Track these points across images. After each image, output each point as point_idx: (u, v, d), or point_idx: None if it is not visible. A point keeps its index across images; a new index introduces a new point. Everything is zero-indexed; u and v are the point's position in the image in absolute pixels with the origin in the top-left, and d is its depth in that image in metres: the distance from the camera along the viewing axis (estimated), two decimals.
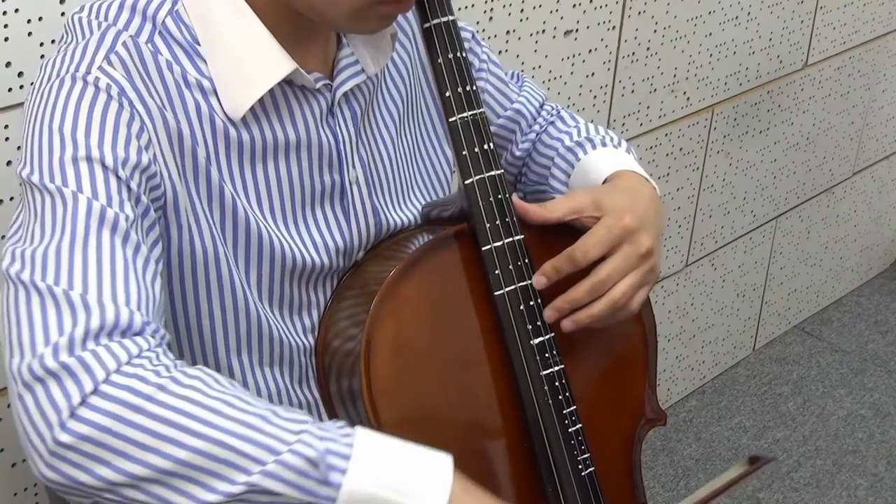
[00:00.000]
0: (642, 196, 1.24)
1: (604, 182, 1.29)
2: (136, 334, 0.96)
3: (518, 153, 1.43)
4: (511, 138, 1.42)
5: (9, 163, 1.50)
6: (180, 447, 0.92)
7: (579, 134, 1.38)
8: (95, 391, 0.92)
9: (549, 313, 1.17)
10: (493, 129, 1.39)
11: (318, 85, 1.15)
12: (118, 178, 1.02)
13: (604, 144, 1.35)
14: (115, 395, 0.92)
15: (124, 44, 1.07)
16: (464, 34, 1.34)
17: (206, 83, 1.10)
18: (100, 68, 1.05)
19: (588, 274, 1.17)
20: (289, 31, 1.12)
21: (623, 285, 1.17)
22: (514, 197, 1.18)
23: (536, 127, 1.43)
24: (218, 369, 1.18)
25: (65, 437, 0.91)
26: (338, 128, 1.18)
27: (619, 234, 1.17)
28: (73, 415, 0.91)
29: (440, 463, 0.99)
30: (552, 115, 1.44)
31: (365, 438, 0.97)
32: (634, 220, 1.18)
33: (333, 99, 1.17)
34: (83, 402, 0.91)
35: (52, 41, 1.48)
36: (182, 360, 0.98)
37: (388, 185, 1.26)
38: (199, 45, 1.10)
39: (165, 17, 1.10)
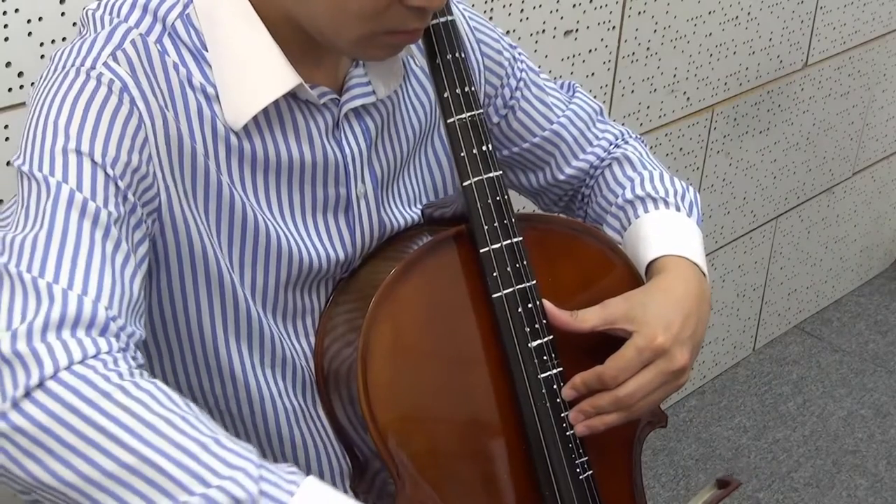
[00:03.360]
0: (684, 301, 1.20)
1: (649, 265, 1.26)
2: (101, 332, 0.95)
3: (562, 177, 1.40)
4: (549, 160, 1.39)
5: (9, 163, 1.50)
6: (109, 458, 0.89)
7: (641, 186, 1.34)
8: (41, 385, 0.90)
9: (573, 415, 1.17)
10: (526, 146, 1.38)
11: (324, 100, 1.15)
12: (106, 174, 1.01)
13: (666, 203, 1.31)
14: (58, 392, 0.90)
15: (133, 42, 1.07)
16: (500, 47, 1.33)
17: (210, 89, 1.09)
18: (105, 64, 1.05)
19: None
20: (298, 46, 1.11)
21: (646, 402, 1.17)
22: (546, 302, 1.17)
23: (591, 156, 1.39)
24: (220, 370, 1.17)
25: (3, 426, 0.90)
26: (345, 142, 1.18)
27: (650, 355, 1.16)
28: (14, 405, 0.90)
29: None
30: (616, 147, 1.40)
31: (310, 490, 0.92)
32: (667, 339, 1.16)
33: (339, 115, 1.17)
34: (27, 395, 0.90)
35: (52, 41, 1.48)
36: (142, 369, 0.96)
37: (400, 198, 1.26)
38: (206, 50, 1.10)
39: (176, 19, 1.10)
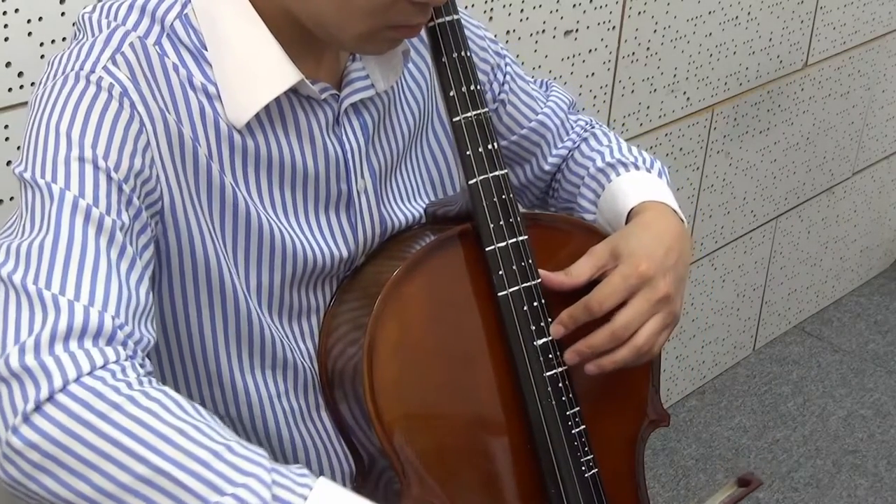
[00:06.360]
0: (664, 236, 1.22)
1: (629, 212, 1.28)
2: (108, 342, 0.94)
3: (547, 167, 1.41)
4: (535, 151, 1.41)
5: (8, 163, 1.49)
6: (123, 470, 0.89)
7: (611, 154, 1.36)
8: (51, 399, 0.90)
9: (569, 356, 1.17)
10: (514, 138, 1.39)
11: (324, 95, 1.15)
12: (109, 179, 1.01)
13: (636, 167, 1.34)
14: (68, 406, 0.90)
15: (131, 45, 1.07)
16: (486, 44, 1.34)
17: (211, 88, 1.09)
18: (104, 68, 1.05)
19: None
20: (298, 41, 1.11)
21: (645, 332, 1.16)
22: (541, 270, 1.17)
23: (568, 143, 1.41)
24: (207, 374, 1.17)
25: (15, 441, 0.89)
26: (345, 137, 1.18)
27: (635, 282, 1.16)
28: (26, 420, 0.89)
29: None
30: (586, 132, 1.43)
31: (322, 492, 0.93)
32: (651, 267, 1.17)
33: (339, 110, 1.17)
34: (37, 409, 0.90)
35: (52, 41, 1.47)
36: (150, 376, 0.96)
37: (398, 193, 1.26)
38: (206, 49, 1.10)
39: (174, 20, 1.09)
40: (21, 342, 0.92)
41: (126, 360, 0.94)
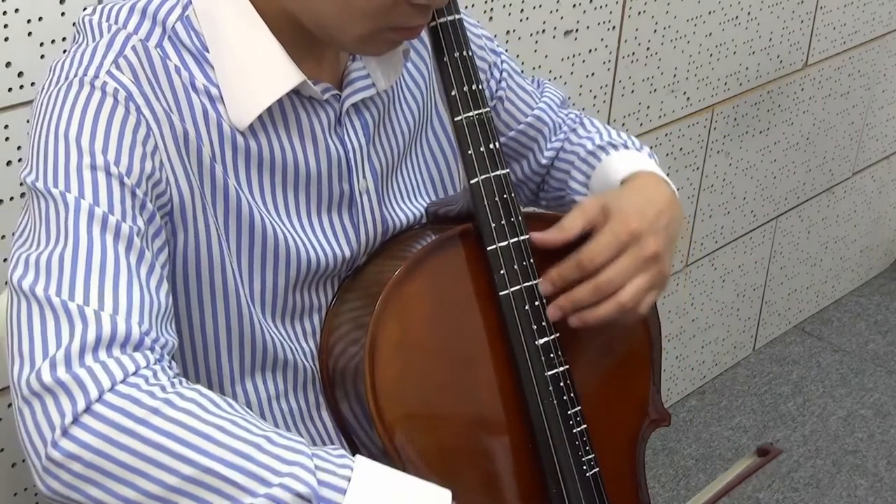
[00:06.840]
0: (656, 199, 1.22)
1: (621, 183, 1.28)
2: (136, 347, 0.95)
3: (543, 161, 1.41)
4: (531, 146, 1.41)
5: (9, 163, 1.49)
6: (169, 473, 0.90)
7: (601, 138, 1.37)
8: (88, 410, 0.91)
9: (552, 311, 1.16)
10: (511, 134, 1.39)
11: (326, 96, 1.15)
12: (122, 184, 1.02)
13: (626, 147, 1.35)
14: (107, 415, 0.91)
15: (133, 48, 1.07)
16: (482, 43, 1.34)
17: (213, 90, 1.09)
18: (108, 73, 1.05)
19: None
20: (299, 42, 1.11)
21: (631, 288, 1.15)
22: (533, 233, 1.16)
23: (562, 136, 1.42)
24: (208, 374, 1.17)
25: (56, 455, 0.90)
26: (346, 138, 1.18)
27: (626, 238, 1.15)
28: (65, 433, 0.90)
29: (439, 498, 0.98)
30: (575, 123, 1.43)
31: (364, 471, 0.95)
32: (641, 224, 1.16)
33: (341, 110, 1.17)
34: (75, 421, 0.91)
35: (52, 41, 1.47)
36: (180, 377, 0.97)
37: (399, 192, 1.26)
38: (207, 51, 1.10)
39: (175, 22, 1.09)
40: (51, 356, 0.93)
41: (155, 363, 0.96)
